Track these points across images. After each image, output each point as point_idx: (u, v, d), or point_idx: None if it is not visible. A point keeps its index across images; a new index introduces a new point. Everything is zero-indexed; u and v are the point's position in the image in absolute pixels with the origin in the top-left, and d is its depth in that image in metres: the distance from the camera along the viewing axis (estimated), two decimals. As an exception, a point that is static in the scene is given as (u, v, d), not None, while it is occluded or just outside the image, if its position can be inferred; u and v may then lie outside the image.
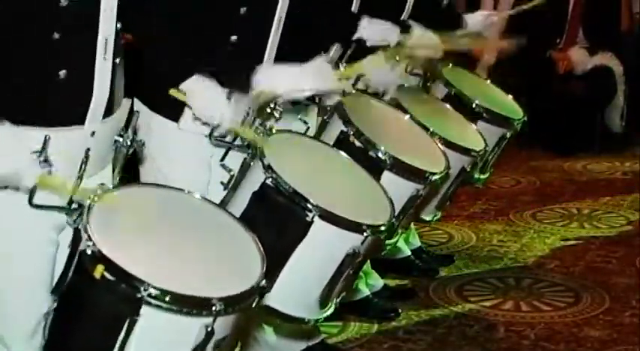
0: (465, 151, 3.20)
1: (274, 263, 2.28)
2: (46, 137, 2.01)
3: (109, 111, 2.18)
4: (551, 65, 6.47)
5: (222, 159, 2.61)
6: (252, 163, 2.51)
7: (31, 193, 2.02)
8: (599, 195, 5.53)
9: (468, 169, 3.25)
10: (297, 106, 2.91)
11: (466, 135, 3.33)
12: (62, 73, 2.06)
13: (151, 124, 2.61)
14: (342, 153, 2.72)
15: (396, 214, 2.58)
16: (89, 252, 1.89)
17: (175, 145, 2.65)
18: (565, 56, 6.44)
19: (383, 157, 2.72)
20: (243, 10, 2.60)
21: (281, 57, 2.76)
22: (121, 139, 2.24)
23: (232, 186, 2.57)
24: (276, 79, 2.54)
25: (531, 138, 6.37)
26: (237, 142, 2.59)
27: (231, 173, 2.57)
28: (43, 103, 2.07)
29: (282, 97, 2.56)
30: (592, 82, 6.41)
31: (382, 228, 2.43)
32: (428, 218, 3.43)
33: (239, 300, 1.94)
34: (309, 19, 2.95)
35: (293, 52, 2.77)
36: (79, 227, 1.98)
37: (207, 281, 1.95)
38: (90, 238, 1.90)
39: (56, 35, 2.02)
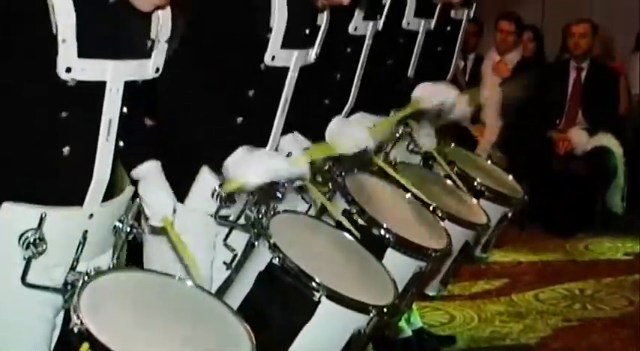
0: (468, 224, 3.20)
1: (280, 343, 2.29)
2: (42, 215, 2.01)
3: (109, 194, 2.18)
4: (552, 145, 6.51)
5: (226, 238, 2.61)
6: (256, 243, 2.51)
7: (24, 271, 2.02)
8: (601, 275, 5.50)
9: (472, 244, 3.24)
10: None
11: (469, 210, 3.33)
12: (66, 149, 2.05)
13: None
14: (346, 234, 2.72)
15: (399, 292, 2.56)
16: (76, 330, 1.90)
17: (179, 224, 2.63)
18: (565, 137, 6.49)
19: (386, 235, 2.72)
20: (251, 92, 2.62)
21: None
22: (121, 225, 2.23)
23: (235, 266, 2.56)
24: (243, 166, 2.46)
25: (532, 218, 6.39)
26: (241, 221, 2.58)
27: (234, 253, 2.56)
28: (43, 180, 2.06)
29: (250, 184, 2.47)
30: (592, 162, 6.44)
31: (385, 309, 2.42)
32: (432, 293, 3.41)
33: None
34: (312, 99, 2.97)
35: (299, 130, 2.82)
36: (69, 307, 1.98)
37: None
38: (78, 317, 1.91)
39: (64, 114, 2.03)
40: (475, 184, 3.52)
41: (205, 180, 2.57)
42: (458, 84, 4.44)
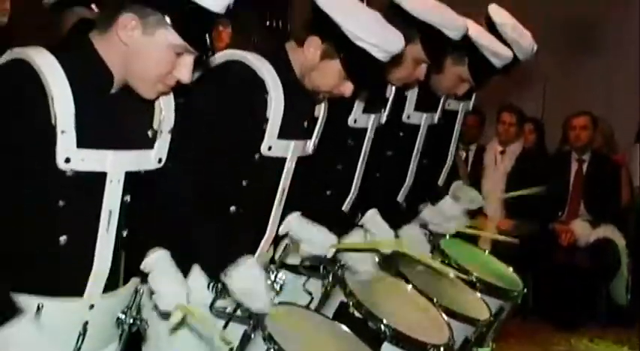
0: (468, 320, 3.15)
1: None
2: (39, 306, 1.99)
3: (112, 285, 2.16)
4: (555, 237, 6.48)
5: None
6: (252, 335, 2.47)
7: None
8: (608, 370, 5.43)
9: (472, 339, 3.18)
10: (300, 276, 2.92)
11: (470, 304, 3.28)
12: (63, 239, 2.05)
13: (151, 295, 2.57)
14: (343, 326, 2.70)
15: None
16: None
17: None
18: (568, 229, 6.47)
19: (383, 329, 2.69)
20: (245, 182, 2.62)
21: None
22: (124, 317, 2.20)
23: (231, 360, 2.52)
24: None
25: (536, 310, 6.32)
26: (238, 313, 2.55)
27: (230, 346, 2.52)
28: (40, 269, 2.04)
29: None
30: (595, 254, 6.41)
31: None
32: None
33: None
34: (311, 192, 2.97)
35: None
36: None
37: None
38: None
39: (61, 203, 2.03)
40: (472, 278, 3.46)
41: (199, 275, 2.55)
42: (458, 176, 4.47)
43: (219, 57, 2.60)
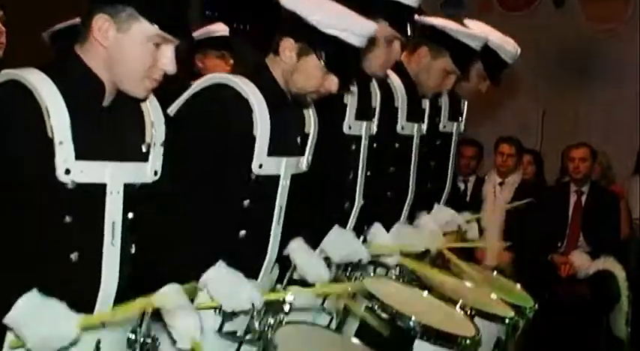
0: (497, 318, 3.15)
1: None
2: None
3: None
4: (554, 269, 6.45)
5: None
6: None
7: None
8: (610, 401, 5.36)
9: (504, 339, 3.14)
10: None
11: (491, 305, 3.27)
12: (74, 255, 2.04)
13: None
14: (354, 340, 2.69)
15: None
16: None
17: None
18: (567, 260, 6.44)
19: (412, 326, 2.67)
20: (246, 203, 2.60)
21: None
22: (133, 336, 2.18)
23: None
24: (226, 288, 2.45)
25: (537, 343, 6.26)
26: (248, 336, 2.50)
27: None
28: (52, 287, 2.01)
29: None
30: (595, 286, 6.37)
31: None
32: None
33: None
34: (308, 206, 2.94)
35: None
36: None
37: None
38: None
39: (67, 219, 2.02)
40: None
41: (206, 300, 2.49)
42: (463, 201, 4.46)
43: (203, 81, 2.61)
